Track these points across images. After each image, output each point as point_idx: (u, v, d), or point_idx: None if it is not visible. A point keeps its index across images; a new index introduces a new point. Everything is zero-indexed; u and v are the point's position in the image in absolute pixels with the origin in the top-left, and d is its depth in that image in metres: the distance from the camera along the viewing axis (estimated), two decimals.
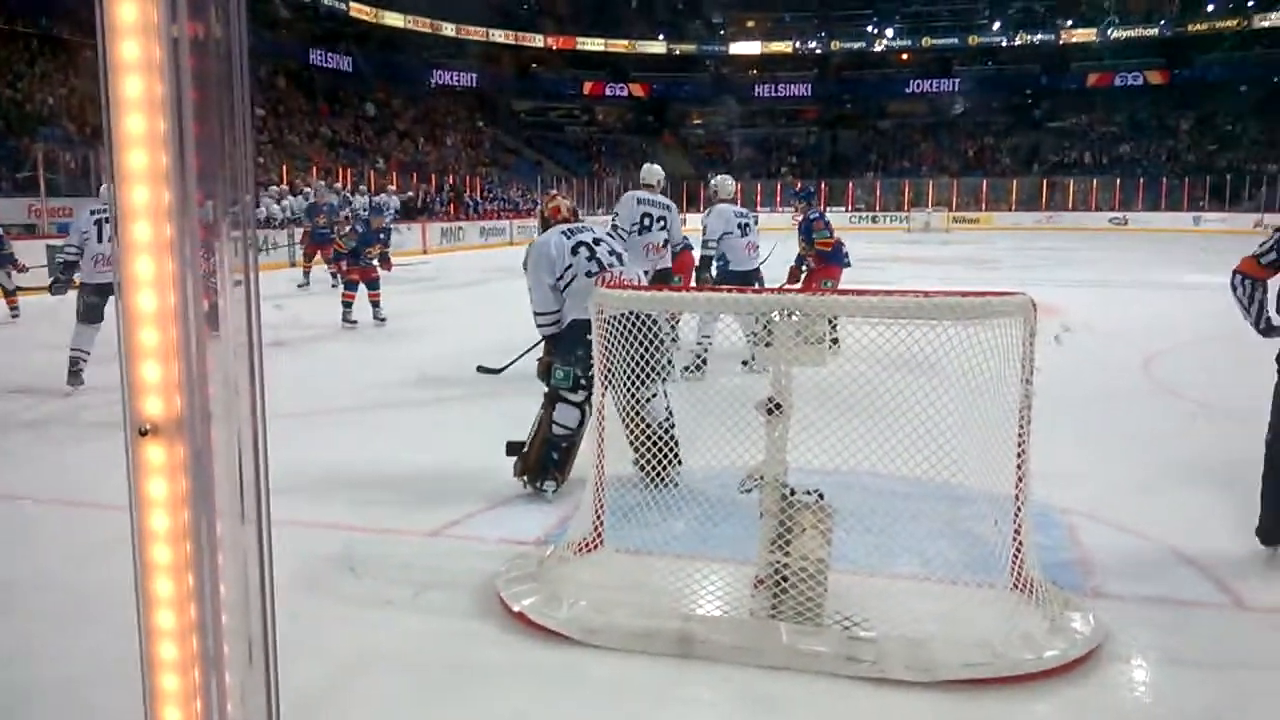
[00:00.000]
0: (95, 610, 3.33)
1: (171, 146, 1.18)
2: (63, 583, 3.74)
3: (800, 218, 9.32)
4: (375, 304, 11.32)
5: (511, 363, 7.50)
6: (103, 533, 3.99)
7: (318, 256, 16.00)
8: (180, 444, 1.17)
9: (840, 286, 8.43)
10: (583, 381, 4.56)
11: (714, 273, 8.32)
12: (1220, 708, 2.84)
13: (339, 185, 26.99)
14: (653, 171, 8.17)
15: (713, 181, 8.92)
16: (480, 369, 7.57)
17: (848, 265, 9.18)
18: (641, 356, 3.82)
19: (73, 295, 7.43)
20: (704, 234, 8.38)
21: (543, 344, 6.67)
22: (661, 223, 7.82)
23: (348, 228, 12.90)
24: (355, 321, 11.10)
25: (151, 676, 1.18)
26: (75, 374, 7.21)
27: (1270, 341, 3.87)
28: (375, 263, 11.32)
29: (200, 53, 1.23)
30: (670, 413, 4.69)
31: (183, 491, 1.18)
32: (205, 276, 1.21)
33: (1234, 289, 3.92)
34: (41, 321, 10.68)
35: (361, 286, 11.22)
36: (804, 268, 9.13)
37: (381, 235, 11.62)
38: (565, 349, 4.73)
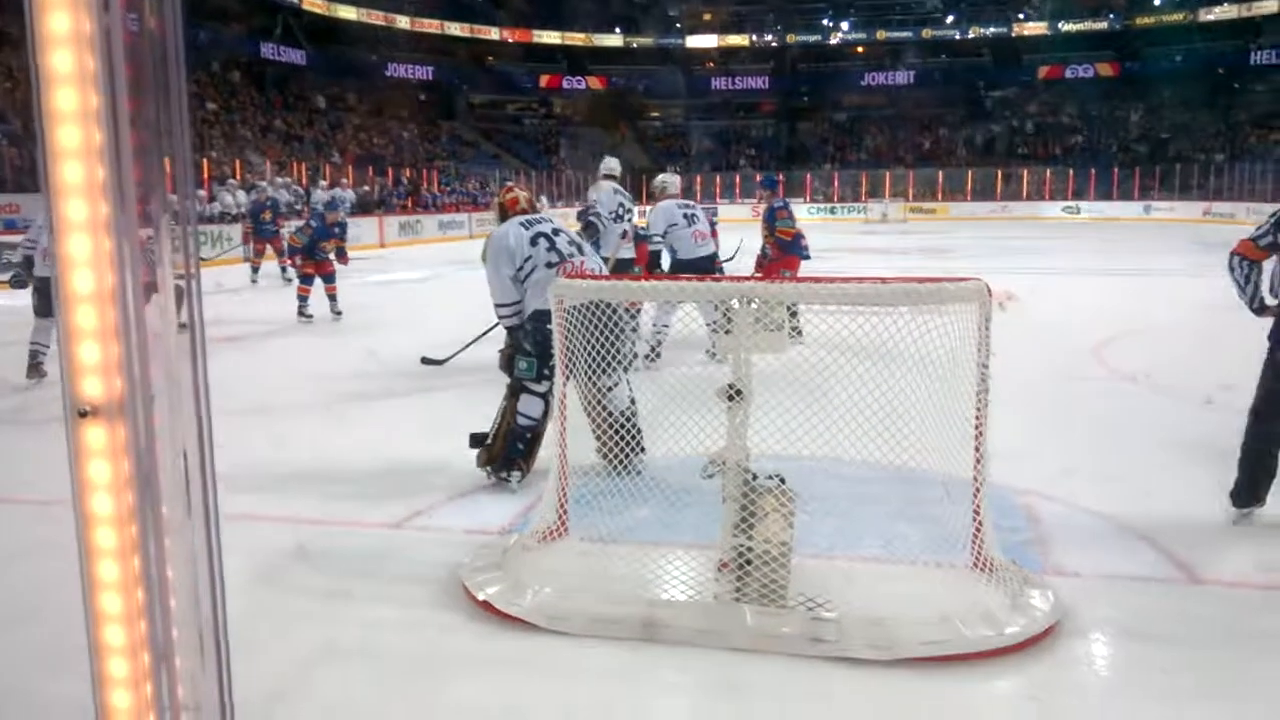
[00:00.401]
0: (44, 606, 3.26)
1: (106, 122, 1.14)
2: (3, 579, 3.65)
3: (764, 206, 9.31)
4: (332, 298, 11.20)
5: (455, 354, 7.55)
6: (48, 527, 3.90)
7: (268, 251, 15.81)
8: (121, 426, 1.14)
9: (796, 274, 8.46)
10: (546, 372, 4.54)
11: (665, 266, 8.43)
12: (1176, 680, 2.89)
13: (290, 180, 26.65)
14: (615, 164, 8.49)
15: (657, 180, 8.99)
16: (424, 360, 7.63)
17: (806, 258, 9.16)
18: (604, 346, 3.80)
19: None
20: (648, 230, 8.49)
21: (486, 335, 6.69)
22: (630, 214, 8.16)
23: (301, 222, 12.75)
24: (311, 316, 10.98)
25: (99, 662, 1.15)
26: (35, 367, 7.35)
27: (1262, 320, 4.08)
28: (331, 257, 11.20)
29: (135, 31, 1.19)
30: (633, 401, 4.68)
31: (125, 474, 1.14)
32: (145, 254, 1.17)
33: (1231, 270, 4.13)
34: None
35: (318, 280, 11.10)
36: (765, 256, 9.12)
37: (336, 230, 11.43)
38: (528, 340, 4.70)
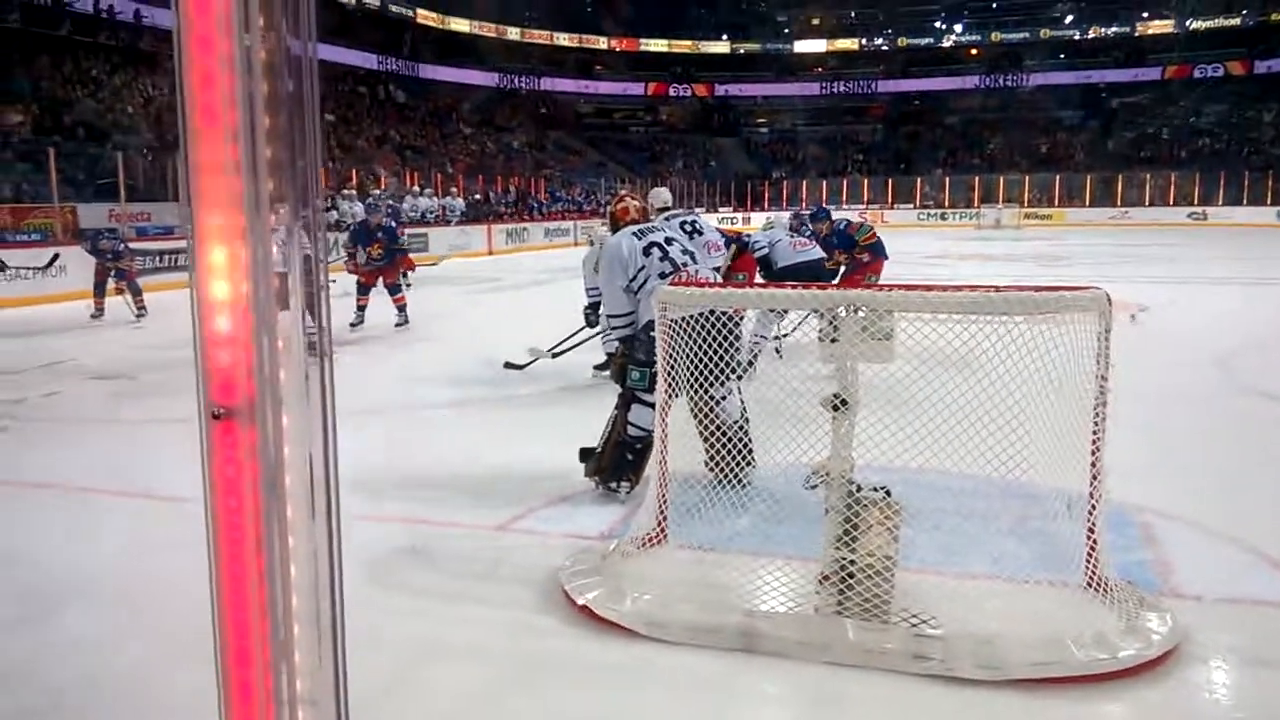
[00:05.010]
0: (175, 599, 3.43)
1: (244, 138, 1.21)
2: (137, 571, 3.85)
3: (825, 233, 9.49)
4: (400, 308, 10.91)
5: (533, 360, 7.95)
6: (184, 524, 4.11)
7: None
8: (252, 428, 1.20)
9: (903, 281, 8.43)
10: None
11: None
12: None
13: (417, 189, 27.55)
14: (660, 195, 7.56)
15: (766, 219, 9.47)
16: (508, 365, 7.92)
17: (887, 257, 9.72)
18: (717, 355, 3.79)
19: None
20: (755, 242, 8.75)
21: (573, 340, 6.80)
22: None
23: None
24: (354, 325, 10.64)
25: (224, 655, 1.21)
26: None
27: None
28: (395, 263, 10.85)
29: (271, 55, 1.26)
30: (745, 413, 4.63)
31: (254, 474, 1.21)
32: (276, 266, 1.23)
33: None
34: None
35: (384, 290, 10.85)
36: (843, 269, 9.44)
37: (380, 234, 10.73)
38: (641, 350, 4.68)
